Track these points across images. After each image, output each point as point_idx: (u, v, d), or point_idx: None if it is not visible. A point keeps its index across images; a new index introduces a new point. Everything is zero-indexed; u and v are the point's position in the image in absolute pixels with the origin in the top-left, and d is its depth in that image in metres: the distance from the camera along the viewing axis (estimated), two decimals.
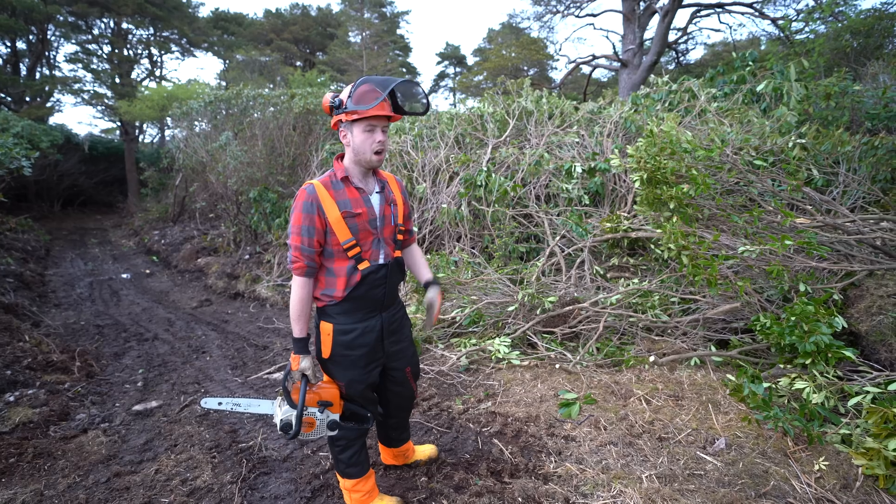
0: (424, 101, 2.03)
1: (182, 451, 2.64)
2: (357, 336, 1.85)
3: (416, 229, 2.14)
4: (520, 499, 2.09)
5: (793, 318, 2.70)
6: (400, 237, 1.97)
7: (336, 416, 1.88)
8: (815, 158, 4.25)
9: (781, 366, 2.80)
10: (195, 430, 2.91)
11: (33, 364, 3.80)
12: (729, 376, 2.85)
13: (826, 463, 2.11)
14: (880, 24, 7.98)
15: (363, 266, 1.82)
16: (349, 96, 1.71)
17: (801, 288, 2.98)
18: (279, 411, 1.83)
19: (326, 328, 1.85)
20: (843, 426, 2.28)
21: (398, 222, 1.95)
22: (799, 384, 2.48)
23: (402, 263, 2.02)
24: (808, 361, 2.60)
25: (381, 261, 1.87)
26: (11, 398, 3.19)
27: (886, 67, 6.17)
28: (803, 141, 4.18)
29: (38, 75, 18.59)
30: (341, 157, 1.87)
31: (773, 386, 2.57)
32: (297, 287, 1.80)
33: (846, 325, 2.79)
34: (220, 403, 1.94)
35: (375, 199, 1.87)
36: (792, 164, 4.03)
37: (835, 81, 5.32)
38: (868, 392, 2.28)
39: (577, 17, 15.93)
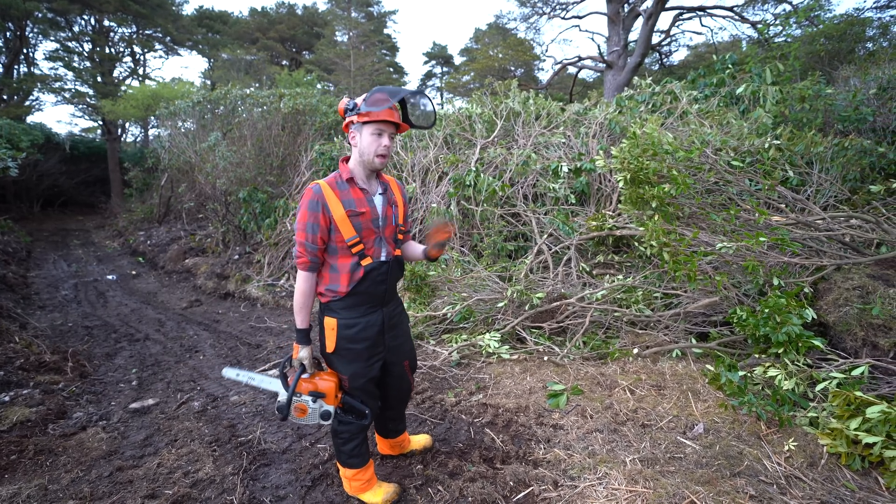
0: (431, 113, 2.07)
1: (182, 446, 2.70)
2: (360, 330, 1.95)
3: (410, 230, 2.29)
4: (511, 483, 2.20)
5: (766, 311, 2.86)
6: (400, 237, 2.08)
7: (330, 408, 1.98)
8: (790, 159, 4.45)
9: (756, 355, 2.96)
10: (194, 425, 2.97)
11: (26, 365, 3.80)
12: (708, 366, 3.01)
13: (795, 444, 2.27)
14: (852, 30, 8.30)
15: (366, 262, 1.92)
16: (364, 100, 1.83)
17: (775, 282, 3.15)
18: (281, 394, 1.97)
19: (330, 323, 1.95)
20: (811, 410, 2.44)
21: (399, 223, 2.05)
22: (772, 372, 2.64)
23: (402, 261, 2.12)
24: (780, 351, 2.77)
25: (382, 258, 1.97)
26: (7, 398, 3.20)
27: (857, 71, 6.44)
28: (778, 142, 4.37)
29: (15, 73, 18.18)
30: (347, 159, 1.98)
31: (749, 374, 2.73)
32: (301, 281, 1.93)
33: (815, 317, 2.97)
34: (237, 374, 2.17)
35: (378, 200, 1.97)
36: (767, 164, 4.22)
37: (809, 85, 5.55)
38: (834, 378, 2.45)
39: (563, 18, 16.16)
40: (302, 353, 1.94)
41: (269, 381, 2.12)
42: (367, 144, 1.87)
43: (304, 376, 1.97)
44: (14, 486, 2.30)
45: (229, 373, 2.21)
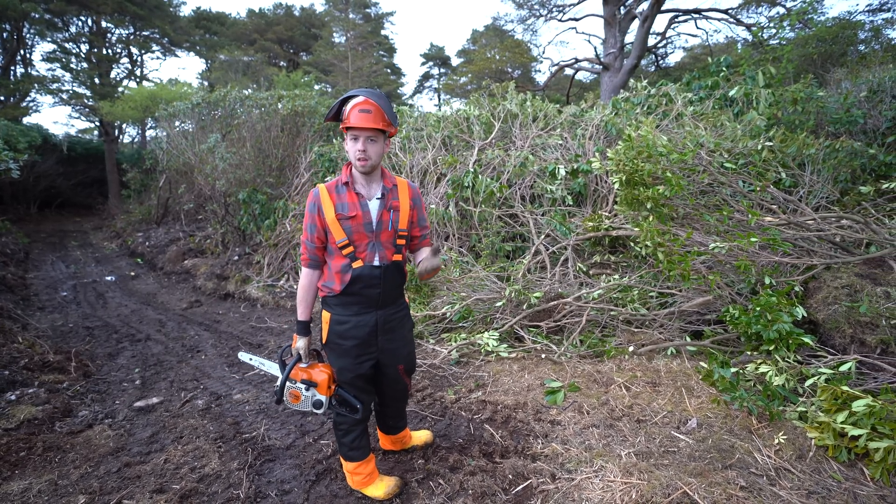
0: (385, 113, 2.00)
1: (188, 443, 2.75)
2: (350, 328, 2.02)
3: (427, 235, 2.29)
4: (510, 476, 2.27)
5: (758, 309, 2.94)
6: (400, 241, 2.05)
7: (322, 398, 2.06)
8: (782, 161, 4.54)
9: (749, 353, 3.03)
10: (199, 423, 3.02)
11: (30, 364, 3.84)
12: (702, 364, 3.08)
13: (784, 437, 2.34)
14: (844, 33, 8.41)
15: (357, 265, 1.97)
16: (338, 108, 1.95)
17: (767, 281, 3.24)
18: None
19: (325, 317, 2.06)
20: (800, 404, 2.52)
21: (398, 227, 2.02)
22: (763, 368, 2.72)
23: (402, 267, 2.11)
24: (771, 348, 2.85)
25: (375, 262, 1.99)
26: (13, 397, 3.25)
27: (848, 74, 6.54)
28: (771, 144, 4.46)
29: (12, 74, 18.16)
30: (350, 164, 2.04)
31: (741, 371, 2.81)
32: (302, 276, 2.07)
33: (805, 315, 3.05)
34: (251, 359, 2.41)
35: (374, 205, 1.99)
36: (759, 165, 4.30)
37: (801, 87, 5.64)
38: (822, 374, 2.53)
39: (560, 20, 16.27)
40: (299, 343, 2.08)
41: (272, 366, 2.30)
42: (348, 149, 1.95)
43: (301, 365, 2.09)
44: (25, 482, 2.35)
45: (243, 356, 2.45)
